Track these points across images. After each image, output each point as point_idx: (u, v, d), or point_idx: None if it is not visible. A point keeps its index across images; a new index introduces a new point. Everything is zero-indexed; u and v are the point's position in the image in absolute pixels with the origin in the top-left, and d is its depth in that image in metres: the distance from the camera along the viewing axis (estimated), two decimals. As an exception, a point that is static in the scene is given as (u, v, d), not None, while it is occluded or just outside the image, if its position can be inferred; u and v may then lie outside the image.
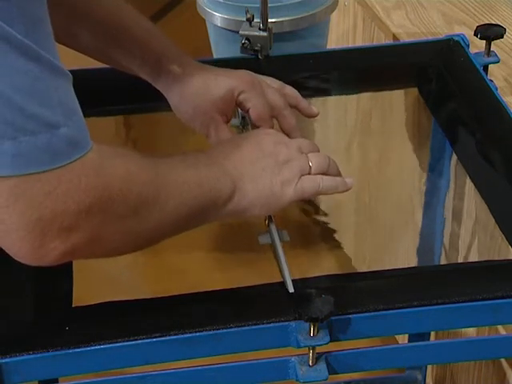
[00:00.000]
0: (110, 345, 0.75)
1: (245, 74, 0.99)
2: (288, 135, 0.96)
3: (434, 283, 0.82)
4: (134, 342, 0.75)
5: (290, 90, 1.02)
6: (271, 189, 0.85)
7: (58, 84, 0.68)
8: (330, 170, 0.90)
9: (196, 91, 0.97)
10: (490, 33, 1.09)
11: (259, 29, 1.11)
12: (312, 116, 1.03)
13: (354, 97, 1.24)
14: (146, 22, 0.99)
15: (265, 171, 0.86)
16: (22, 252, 0.69)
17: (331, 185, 0.89)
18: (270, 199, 0.85)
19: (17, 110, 0.65)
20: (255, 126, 0.98)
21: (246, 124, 1.03)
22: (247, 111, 0.98)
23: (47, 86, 0.67)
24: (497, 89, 1.05)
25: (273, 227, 0.88)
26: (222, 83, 0.97)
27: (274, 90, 1.00)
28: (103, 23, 0.97)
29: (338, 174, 0.91)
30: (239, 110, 1.02)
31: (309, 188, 0.87)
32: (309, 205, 1.27)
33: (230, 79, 0.98)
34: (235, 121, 1.05)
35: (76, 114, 0.70)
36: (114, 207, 0.71)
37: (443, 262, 1.33)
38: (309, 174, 0.88)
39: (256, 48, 1.10)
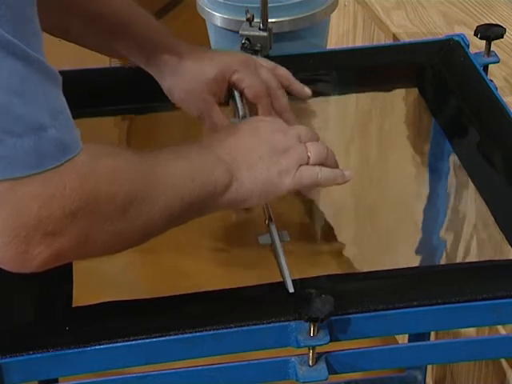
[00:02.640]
0: (110, 345, 0.75)
1: (238, 54, 0.99)
2: (280, 115, 0.96)
3: (434, 283, 0.82)
4: (134, 342, 0.75)
5: (282, 71, 1.02)
6: (269, 177, 0.84)
7: (46, 85, 0.67)
8: (329, 161, 0.89)
9: (189, 72, 0.97)
10: (489, 33, 1.09)
11: (259, 29, 1.11)
12: (305, 96, 1.04)
13: (353, 97, 1.23)
14: (136, 7, 0.98)
15: (262, 160, 0.84)
16: (6, 258, 0.67)
17: (330, 176, 0.88)
18: (267, 188, 0.84)
19: (3, 110, 0.64)
20: (252, 105, 0.98)
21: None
22: (242, 90, 0.98)
23: (35, 87, 0.65)
24: (497, 89, 1.05)
25: (273, 227, 0.88)
26: (215, 63, 0.97)
27: (267, 69, 1.00)
28: (92, 9, 0.96)
29: (336, 165, 0.90)
30: (239, 109, 1.02)
31: (307, 178, 0.86)
32: (309, 205, 1.26)
33: (223, 59, 0.98)
34: (235, 120, 1.05)
35: (64, 116, 0.68)
36: (100, 210, 0.70)
37: (443, 261, 1.33)
38: (307, 163, 0.87)
39: (256, 48, 1.10)
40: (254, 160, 0.84)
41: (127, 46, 0.98)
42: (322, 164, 0.87)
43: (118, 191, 0.71)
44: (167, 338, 0.75)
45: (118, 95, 1.08)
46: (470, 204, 1.21)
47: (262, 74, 0.99)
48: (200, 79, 0.97)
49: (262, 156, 0.84)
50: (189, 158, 0.80)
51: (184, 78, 0.97)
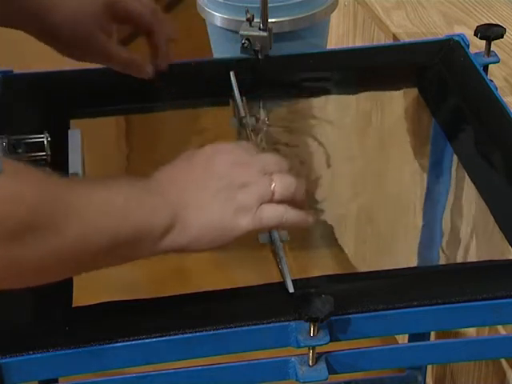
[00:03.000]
0: (110, 345, 0.74)
1: None
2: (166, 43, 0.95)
3: (434, 283, 0.82)
4: (134, 342, 0.75)
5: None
6: (221, 219, 0.75)
7: None
8: (297, 196, 0.79)
9: (71, 12, 0.94)
10: (489, 33, 1.09)
11: (259, 29, 1.11)
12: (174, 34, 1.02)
13: (353, 97, 1.24)
14: None
15: (215, 198, 0.75)
16: None
17: (295, 218, 0.78)
18: (219, 232, 0.75)
19: None
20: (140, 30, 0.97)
21: (247, 125, 1.03)
22: (133, 20, 0.97)
23: None
24: (497, 89, 1.05)
25: (273, 227, 0.88)
26: None
27: None
28: None
29: (304, 202, 0.80)
30: (238, 109, 1.02)
31: (269, 219, 0.76)
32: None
33: None
34: (235, 121, 1.05)
35: None
36: None
37: (443, 261, 1.33)
38: (271, 200, 0.77)
39: (256, 48, 1.10)
40: (205, 199, 0.75)
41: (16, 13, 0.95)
42: (288, 200, 0.78)
43: (11, 214, 0.63)
44: (167, 338, 0.75)
45: (117, 95, 1.08)
46: (470, 204, 1.21)
47: (145, 3, 0.98)
48: (85, 14, 0.93)
49: (215, 194, 0.75)
50: (124, 192, 0.72)
51: (68, 18, 0.93)
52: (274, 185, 0.77)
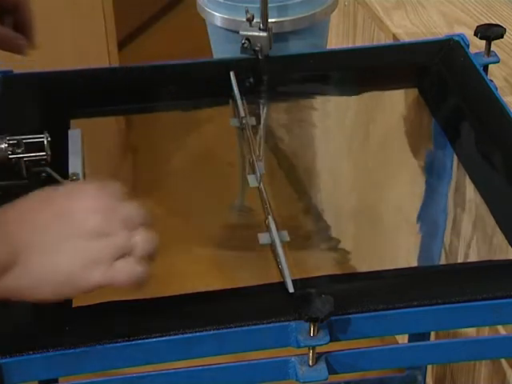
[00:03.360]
0: (110, 345, 0.74)
1: None
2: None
3: (434, 283, 0.82)
4: (134, 342, 0.75)
5: None
6: (69, 269, 0.69)
7: None
8: (154, 253, 0.72)
9: None
10: (489, 33, 1.09)
11: (259, 29, 1.11)
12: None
13: (353, 97, 1.24)
14: None
15: (66, 244, 0.69)
16: None
17: (147, 277, 0.71)
18: (64, 282, 0.69)
19: None
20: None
21: (247, 125, 1.03)
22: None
23: None
24: (497, 89, 1.05)
25: (273, 227, 0.88)
26: None
27: None
28: None
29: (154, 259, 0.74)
30: (238, 109, 1.02)
31: (124, 276, 0.70)
32: (309, 205, 1.26)
33: None
34: (235, 121, 1.05)
35: None
36: None
37: (443, 262, 1.33)
38: (128, 255, 0.70)
39: (256, 48, 1.10)
40: (54, 243, 0.69)
41: None
42: (147, 257, 0.72)
43: None
44: (167, 337, 0.75)
45: (118, 95, 1.08)
46: (470, 204, 1.21)
47: None
48: None
49: (67, 239, 0.69)
50: None
51: None
52: (135, 239, 0.71)
